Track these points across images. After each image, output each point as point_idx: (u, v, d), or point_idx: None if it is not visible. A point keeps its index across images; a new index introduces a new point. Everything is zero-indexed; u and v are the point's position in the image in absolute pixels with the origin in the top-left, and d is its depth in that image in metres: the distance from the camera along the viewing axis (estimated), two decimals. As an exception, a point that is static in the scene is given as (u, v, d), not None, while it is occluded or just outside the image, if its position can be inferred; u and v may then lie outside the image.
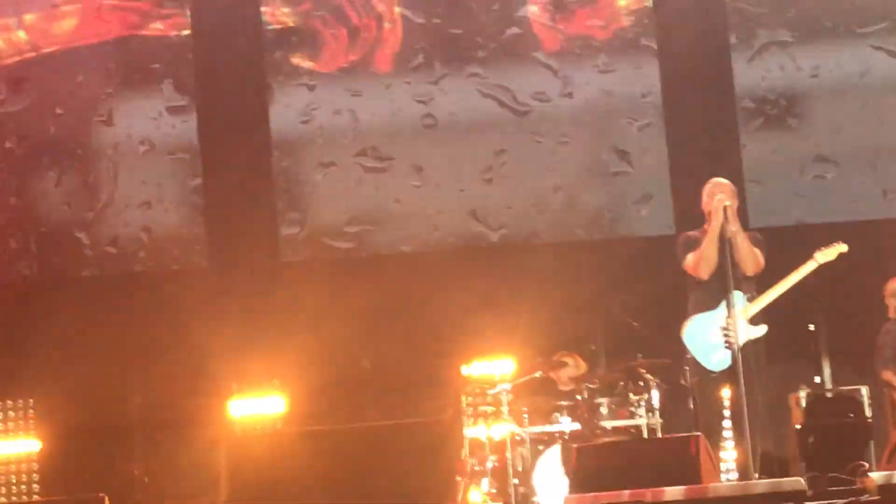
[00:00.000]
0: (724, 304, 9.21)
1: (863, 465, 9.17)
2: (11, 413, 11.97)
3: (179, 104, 12.60)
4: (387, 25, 12.69)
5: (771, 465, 9.26)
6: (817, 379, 11.87)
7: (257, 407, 11.64)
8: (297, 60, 12.63)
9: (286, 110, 12.61)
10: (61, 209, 12.52)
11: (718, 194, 9.38)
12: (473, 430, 10.79)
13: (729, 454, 9.26)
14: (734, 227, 9.27)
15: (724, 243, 9.23)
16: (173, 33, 12.62)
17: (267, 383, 11.72)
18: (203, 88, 12.56)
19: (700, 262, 9.35)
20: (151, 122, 12.57)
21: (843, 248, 9.56)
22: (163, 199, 12.52)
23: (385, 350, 12.17)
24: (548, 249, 12.54)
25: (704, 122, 12.48)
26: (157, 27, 12.63)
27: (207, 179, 12.50)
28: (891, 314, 10.66)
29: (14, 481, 11.82)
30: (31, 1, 12.64)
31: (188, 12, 12.62)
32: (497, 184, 12.61)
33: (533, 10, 12.69)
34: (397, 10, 12.67)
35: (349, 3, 12.66)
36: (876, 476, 7.64)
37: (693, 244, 9.46)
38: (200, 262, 12.51)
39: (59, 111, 12.53)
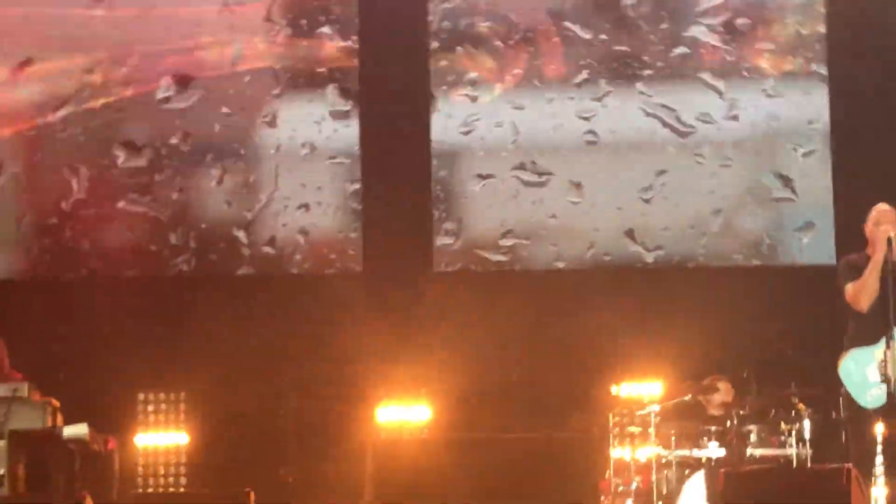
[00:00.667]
0: (884, 338, 8.98)
1: None
2: (164, 405, 12.16)
3: (343, 109, 12.70)
4: (554, 39, 12.67)
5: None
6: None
7: (404, 414, 11.67)
8: (463, 71, 12.67)
9: (448, 120, 12.64)
10: (222, 207, 12.69)
11: (884, 223, 9.15)
12: (619, 451, 10.69)
13: (880, 491, 9.02)
14: (901, 257, 9.04)
15: (888, 275, 9.00)
16: (340, 40, 12.73)
17: (414, 391, 11.74)
18: (367, 94, 12.65)
19: (860, 292, 9.11)
20: (314, 125, 12.69)
21: None
22: (321, 202, 12.62)
23: (533, 365, 12.11)
24: (704, 273, 12.40)
25: (871, 153, 12.24)
26: (324, 32, 12.75)
27: (366, 185, 12.58)
28: None
29: (162, 473, 12.00)
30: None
31: (356, 19, 12.72)
32: (656, 204, 12.49)
33: (702, 31, 12.57)
34: (566, 24, 12.64)
35: (516, 15, 12.65)
36: None
37: (854, 271, 9.21)
38: (355, 267, 12.58)
39: (224, 110, 12.71)
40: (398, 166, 12.57)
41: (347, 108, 12.69)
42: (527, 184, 12.57)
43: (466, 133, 12.64)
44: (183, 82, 12.74)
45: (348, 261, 12.61)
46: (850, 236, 10.06)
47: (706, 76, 12.54)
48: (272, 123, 12.70)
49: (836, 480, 8.19)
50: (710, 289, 12.17)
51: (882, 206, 9.39)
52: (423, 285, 12.40)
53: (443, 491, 8.22)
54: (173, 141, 12.71)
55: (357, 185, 12.63)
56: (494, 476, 8.41)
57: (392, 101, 12.61)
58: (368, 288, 12.39)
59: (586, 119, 12.56)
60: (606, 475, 10.51)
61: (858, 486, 8.26)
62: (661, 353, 11.47)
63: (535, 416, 11.72)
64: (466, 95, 12.67)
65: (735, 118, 12.48)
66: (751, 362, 11.91)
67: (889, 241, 9.07)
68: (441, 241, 12.59)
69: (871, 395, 9.02)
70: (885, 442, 8.99)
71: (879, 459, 8.99)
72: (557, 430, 10.65)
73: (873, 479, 9.10)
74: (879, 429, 9.01)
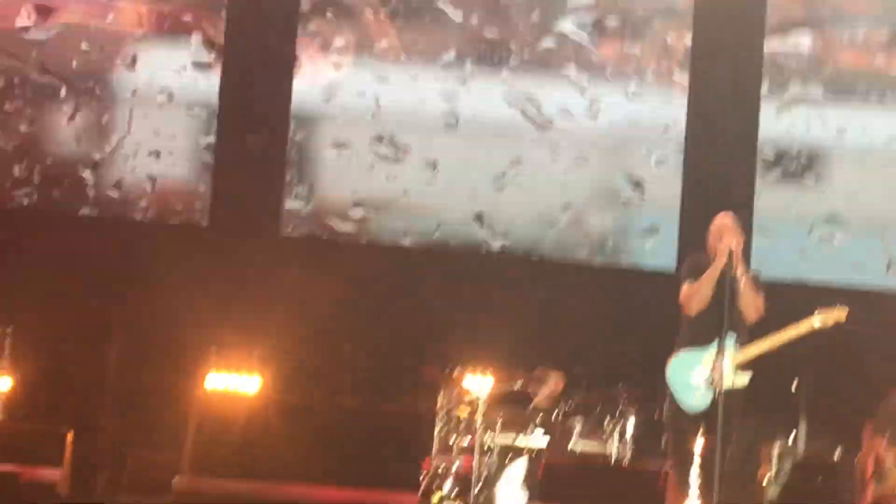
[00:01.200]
0: (714, 344, 9.13)
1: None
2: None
3: (205, 60, 12.54)
4: (426, 17, 12.65)
5: (734, 513, 9.20)
6: (791, 436, 11.83)
7: (233, 382, 11.50)
8: (330, 37, 12.58)
9: (310, 84, 12.55)
10: (70, 145, 12.45)
11: (726, 234, 9.30)
12: (445, 431, 10.72)
13: (694, 492, 9.18)
14: (740, 270, 9.19)
15: (725, 284, 9.15)
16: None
17: (246, 355, 11.61)
18: (231, 49, 12.50)
19: (693, 296, 9.24)
20: (174, 73, 12.50)
21: (843, 315, 9.48)
22: (173, 151, 12.45)
23: (369, 338, 12.10)
24: (546, 266, 12.49)
25: (722, 165, 12.43)
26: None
27: (220, 139, 12.43)
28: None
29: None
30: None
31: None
32: (508, 192, 12.55)
33: (571, 27, 12.65)
34: (438, 4, 12.62)
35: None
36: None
37: (696, 271, 9.32)
38: (200, 220, 12.45)
39: (84, 47, 12.47)
40: (255, 124, 12.44)
41: (210, 59, 12.53)
42: (382, 157, 12.54)
43: (327, 100, 12.56)
44: (44, 13, 12.46)
45: (194, 213, 12.47)
46: (693, 245, 10.23)
47: (570, 72, 12.62)
48: (131, 67, 12.49)
49: (651, 483, 8.32)
50: (552, 282, 12.28)
51: (726, 218, 9.54)
52: (267, 247, 12.30)
53: (265, 456, 8.16)
54: (27, 72, 12.43)
55: (211, 139, 12.48)
56: (319, 444, 8.37)
57: (256, 59, 12.49)
58: (212, 243, 12.26)
59: (449, 99, 12.56)
60: (430, 454, 10.53)
61: (673, 491, 8.39)
62: (497, 338, 11.50)
63: (364, 390, 11.72)
64: (331, 62, 12.58)
65: (594, 117, 12.58)
66: (583, 357, 12.06)
67: (730, 252, 9.22)
68: (291, 204, 12.50)
69: (694, 398, 9.17)
70: (703, 447, 9.16)
71: (696, 472, 9.16)
72: (386, 405, 10.66)
73: (689, 481, 9.28)
74: (700, 433, 9.17)
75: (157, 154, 12.43)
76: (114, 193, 12.40)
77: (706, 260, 9.35)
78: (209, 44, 12.55)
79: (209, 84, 12.49)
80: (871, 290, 12.28)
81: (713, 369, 9.04)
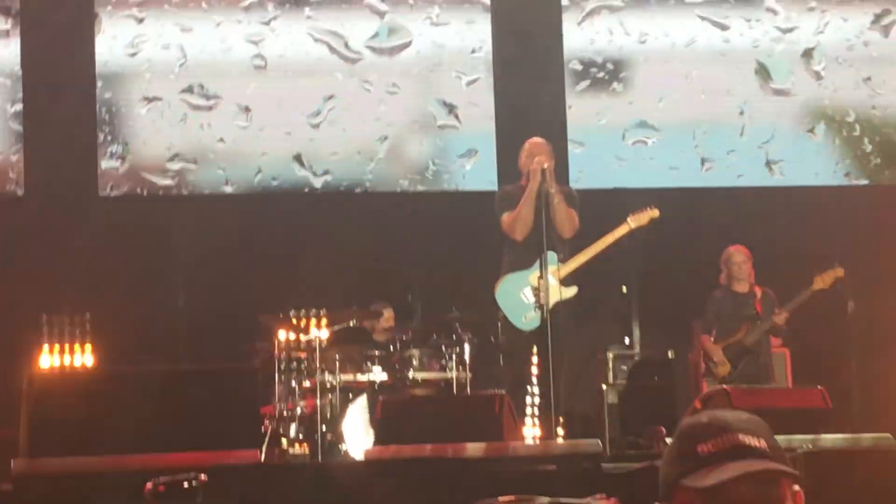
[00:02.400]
0: (537, 263, 9.33)
1: (661, 430, 9.38)
2: None
3: (2, 28, 12.27)
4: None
5: (574, 425, 9.44)
6: (626, 341, 12.11)
7: (66, 353, 11.34)
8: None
9: (113, 41, 12.35)
10: None
11: (537, 155, 9.48)
12: (285, 377, 10.76)
13: (534, 411, 9.40)
14: (552, 188, 9.39)
15: (541, 204, 9.34)
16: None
17: (78, 321, 11.45)
18: (27, 13, 12.23)
19: (516, 222, 9.45)
20: (-28, 44, 12.23)
21: (655, 213, 9.78)
22: (-20, 123, 12.21)
23: (200, 292, 12.06)
24: (370, 198, 12.54)
25: (532, 81, 12.55)
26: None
27: (28, 107, 12.21)
28: (721, 281, 10.85)
29: None
30: None
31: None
32: (324, 129, 12.54)
33: (368, -43, 12.61)
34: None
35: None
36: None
37: (509, 201, 9.53)
38: (16, 190, 12.25)
39: None
40: (61, 88, 12.23)
41: (7, 27, 12.27)
42: (194, 107, 12.43)
43: (132, 55, 12.39)
44: None
45: (9, 184, 12.25)
46: (511, 163, 10.38)
47: (373, 2, 12.59)
48: (-74, 41, 12.19)
49: (489, 407, 8.48)
50: (377, 214, 12.35)
51: (535, 139, 9.73)
52: (87, 210, 12.15)
53: (103, 428, 8.11)
54: None
55: (18, 107, 12.25)
56: (158, 410, 8.35)
57: (55, 21, 12.23)
58: (30, 213, 12.08)
59: (254, 43, 12.47)
60: (272, 401, 10.57)
61: (511, 414, 8.57)
62: (329, 277, 11.55)
63: (201, 344, 11.70)
64: (132, 16, 12.40)
65: (401, 46, 12.60)
66: (414, 287, 12.18)
67: (543, 172, 9.41)
68: (106, 164, 12.35)
69: (526, 317, 9.38)
70: (539, 365, 9.38)
71: (534, 380, 9.37)
72: (224, 358, 10.66)
73: (528, 400, 9.50)
74: (534, 352, 9.39)
75: (-36, 128, 12.18)
76: (-77, 173, 12.13)
77: (518, 188, 9.55)
78: (5, 10, 12.28)
79: (10, 52, 12.23)
80: (688, 189, 12.58)
81: (538, 288, 9.25)
